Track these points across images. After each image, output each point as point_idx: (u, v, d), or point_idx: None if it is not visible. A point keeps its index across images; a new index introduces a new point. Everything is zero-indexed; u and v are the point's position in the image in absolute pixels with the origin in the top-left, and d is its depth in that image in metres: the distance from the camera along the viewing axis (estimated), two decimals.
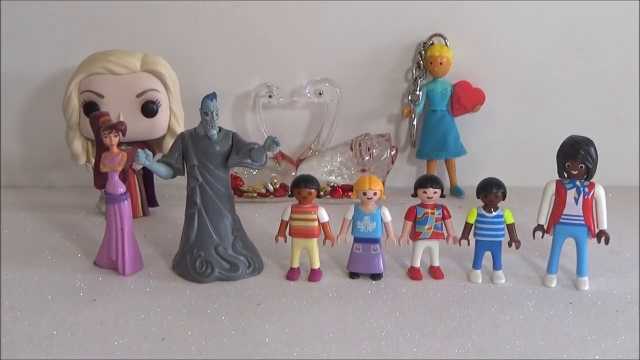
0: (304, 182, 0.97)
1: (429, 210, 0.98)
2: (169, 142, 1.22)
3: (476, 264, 0.99)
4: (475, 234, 0.98)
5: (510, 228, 0.97)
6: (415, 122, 1.42)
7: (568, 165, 0.92)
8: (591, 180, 0.93)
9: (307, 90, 1.41)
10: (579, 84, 1.43)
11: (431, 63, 1.38)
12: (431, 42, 1.39)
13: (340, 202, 1.33)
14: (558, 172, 0.95)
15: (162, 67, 1.24)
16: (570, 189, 0.93)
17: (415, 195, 0.98)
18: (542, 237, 0.97)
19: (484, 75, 1.41)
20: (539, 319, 0.88)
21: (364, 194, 0.96)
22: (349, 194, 1.34)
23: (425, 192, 0.97)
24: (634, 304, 0.92)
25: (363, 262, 1.00)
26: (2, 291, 0.96)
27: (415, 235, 0.99)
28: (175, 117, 1.25)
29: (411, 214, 0.98)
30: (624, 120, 1.45)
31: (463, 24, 1.40)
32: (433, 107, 1.41)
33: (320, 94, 1.40)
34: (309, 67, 1.43)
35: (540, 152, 1.20)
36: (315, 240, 0.99)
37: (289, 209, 0.98)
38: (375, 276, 1.00)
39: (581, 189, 0.93)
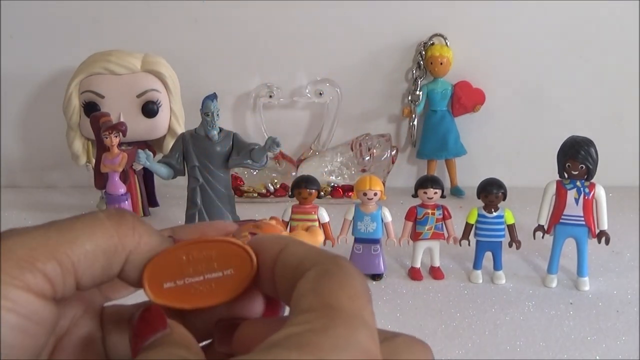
0: (304, 183, 0.97)
1: (430, 211, 0.97)
2: (169, 143, 1.22)
3: (476, 265, 0.99)
4: (475, 235, 0.98)
5: (511, 228, 0.97)
6: (415, 122, 1.42)
7: (568, 165, 0.92)
8: (591, 181, 0.93)
9: (307, 91, 1.41)
10: (579, 84, 1.42)
11: (431, 63, 1.38)
12: (431, 42, 1.39)
13: (341, 202, 1.33)
14: (558, 172, 0.95)
15: (162, 67, 1.24)
16: (570, 189, 0.93)
17: (415, 195, 0.98)
18: (543, 237, 0.97)
19: (484, 76, 1.40)
20: (540, 319, 0.88)
21: (365, 194, 0.96)
22: (350, 194, 1.34)
23: (425, 193, 0.96)
24: (634, 304, 0.92)
25: (363, 262, 0.99)
26: None
27: (415, 236, 0.99)
28: (175, 118, 1.25)
29: (411, 215, 0.98)
30: (624, 120, 1.45)
31: (463, 24, 1.40)
32: (433, 107, 1.41)
33: (320, 94, 1.40)
34: (309, 67, 1.42)
35: (540, 152, 1.20)
36: None
37: (290, 210, 0.98)
38: (376, 276, 1.00)
39: (582, 189, 0.93)
